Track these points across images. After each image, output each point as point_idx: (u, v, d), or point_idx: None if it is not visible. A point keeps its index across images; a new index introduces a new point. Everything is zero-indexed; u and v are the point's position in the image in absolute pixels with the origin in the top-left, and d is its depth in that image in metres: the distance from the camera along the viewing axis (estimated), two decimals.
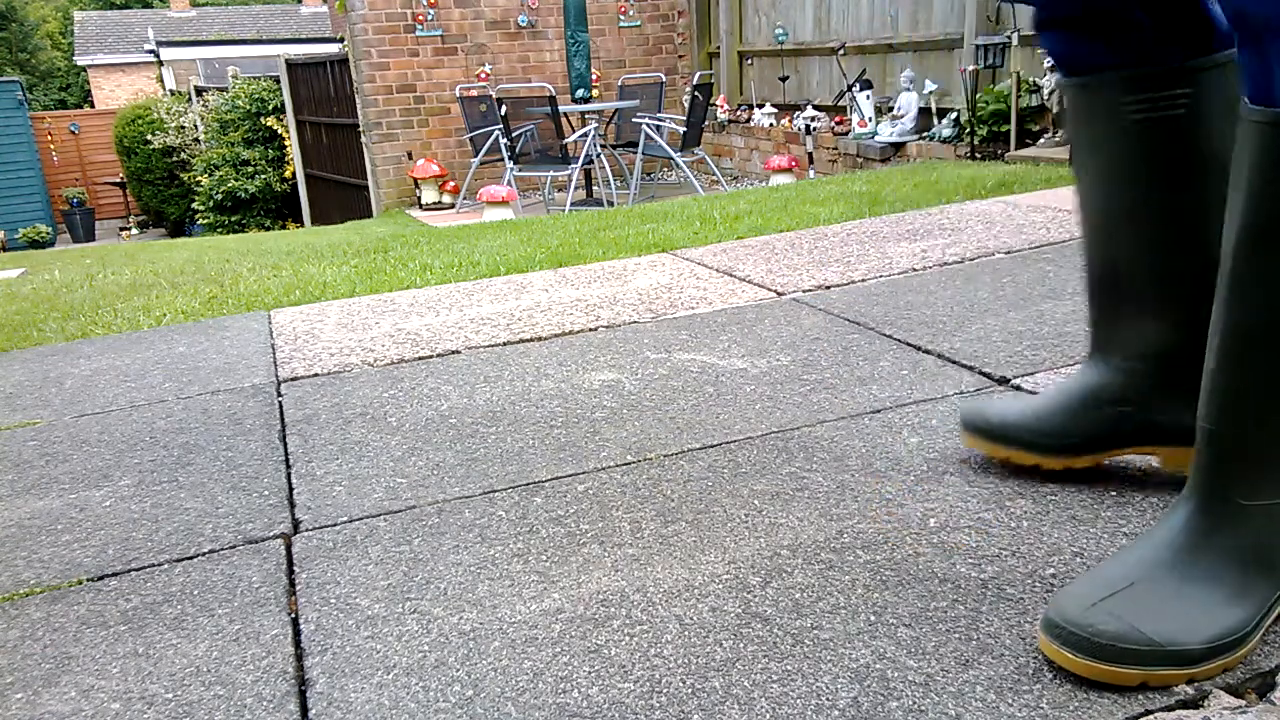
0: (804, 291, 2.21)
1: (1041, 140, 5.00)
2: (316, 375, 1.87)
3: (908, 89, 6.05)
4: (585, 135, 7.13)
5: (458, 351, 1.96)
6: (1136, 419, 1.12)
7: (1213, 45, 0.99)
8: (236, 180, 11.18)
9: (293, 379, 1.86)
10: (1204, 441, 0.88)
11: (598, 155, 7.48)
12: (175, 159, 13.65)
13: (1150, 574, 0.86)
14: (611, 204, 6.93)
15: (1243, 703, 0.80)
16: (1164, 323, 1.09)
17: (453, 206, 8.19)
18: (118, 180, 16.31)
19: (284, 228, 10.99)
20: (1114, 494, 1.14)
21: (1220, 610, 0.83)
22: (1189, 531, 0.87)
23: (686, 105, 7.55)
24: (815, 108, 7.21)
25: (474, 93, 8.06)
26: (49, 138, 17.01)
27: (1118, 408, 1.13)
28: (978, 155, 5.24)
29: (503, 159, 7.39)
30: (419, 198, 8.36)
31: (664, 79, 8.42)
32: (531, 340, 2.00)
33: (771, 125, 7.63)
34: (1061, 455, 1.17)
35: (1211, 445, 0.87)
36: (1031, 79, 5.16)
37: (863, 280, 2.27)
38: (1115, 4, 1.02)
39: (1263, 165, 0.80)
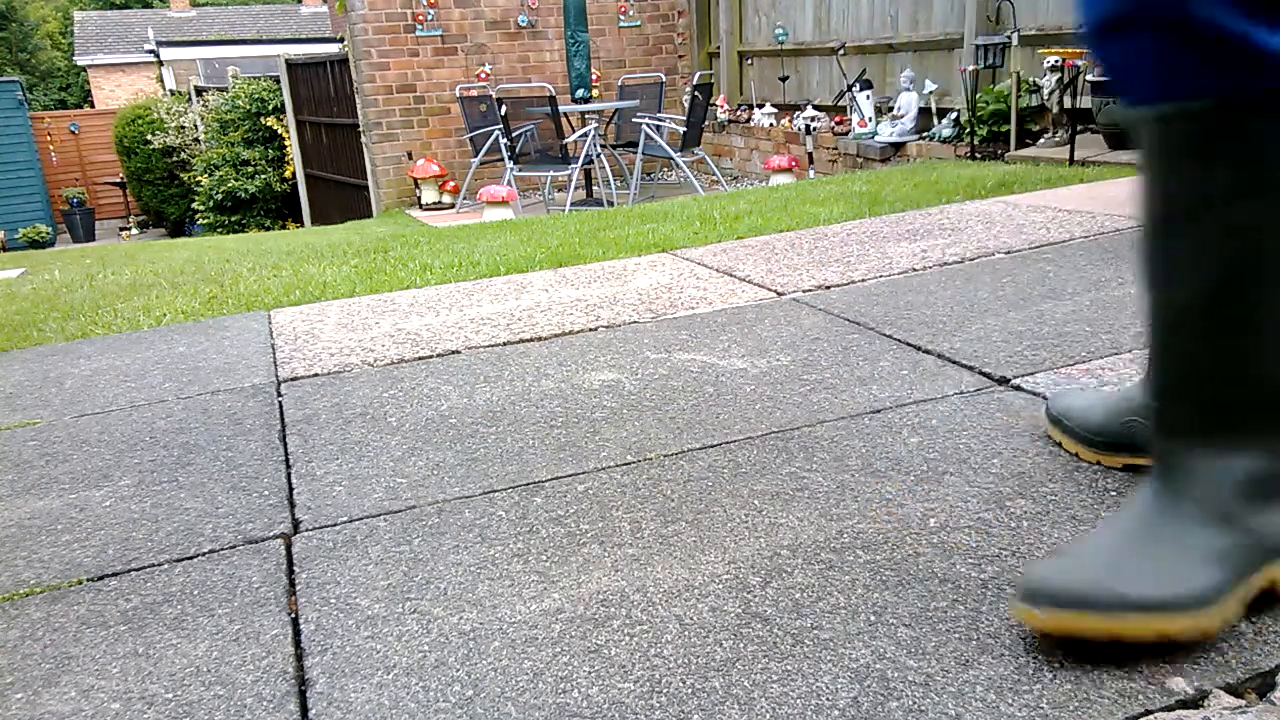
0: (804, 291, 2.21)
1: (1041, 140, 5.00)
2: (316, 375, 1.87)
3: (908, 89, 6.05)
4: (585, 135, 7.13)
5: (458, 351, 1.96)
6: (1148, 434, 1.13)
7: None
8: (236, 180, 11.19)
9: (293, 379, 1.86)
10: (1154, 418, 0.93)
11: (598, 155, 7.48)
12: (175, 159, 13.66)
13: (1121, 542, 0.89)
14: (611, 204, 6.93)
15: (1243, 703, 0.80)
16: None
17: (453, 206, 8.19)
18: (118, 180, 16.31)
19: (284, 228, 11.00)
20: (1114, 494, 1.14)
21: (1191, 570, 0.85)
22: (1155, 501, 0.91)
23: (686, 105, 7.55)
24: (815, 108, 7.21)
25: (474, 93, 8.06)
26: (49, 138, 17.01)
27: (1136, 419, 1.16)
28: (978, 155, 5.24)
29: (503, 159, 7.40)
30: (419, 198, 8.36)
31: (664, 79, 8.42)
32: (531, 340, 2.00)
33: (771, 125, 7.63)
34: (1094, 449, 1.22)
35: (1160, 420, 0.92)
36: (1031, 79, 5.17)
37: (863, 280, 2.27)
38: None
39: (1146, 158, 0.87)
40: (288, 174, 11.16)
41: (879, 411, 1.45)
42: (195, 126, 13.31)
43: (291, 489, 1.36)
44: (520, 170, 7.32)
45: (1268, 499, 0.88)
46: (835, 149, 6.67)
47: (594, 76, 8.50)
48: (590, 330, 2.03)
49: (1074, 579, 0.85)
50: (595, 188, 7.85)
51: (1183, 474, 0.90)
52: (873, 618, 0.94)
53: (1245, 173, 0.83)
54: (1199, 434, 0.90)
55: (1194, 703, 0.80)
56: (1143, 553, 0.87)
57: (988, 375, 1.57)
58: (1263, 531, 0.87)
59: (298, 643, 0.98)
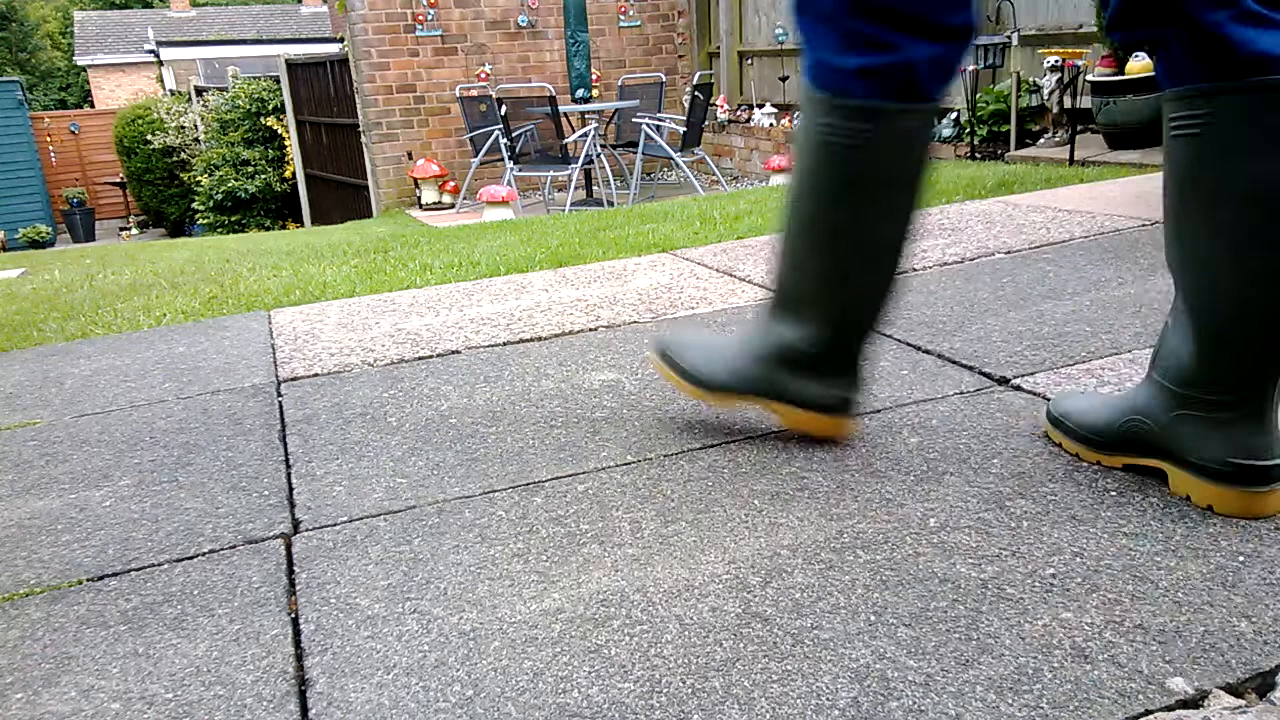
0: None
1: (1041, 140, 5.01)
2: (316, 375, 1.87)
3: None
4: (585, 135, 7.13)
5: (458, 351, 1.96)
6: (1153, 433, 1.14)
7: (1238, 70, 0.96)
8: (236, 180, 11.19)
9: (293, 379, 1.86)
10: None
11: (598, 155, 7.48)
12: (175, 159, 13.66)
13: (723, 342, 1.40)
14: (611, 204, 6.93)
15: (1243, 703, 0.80)
16: (1181, 346, 1.10)
17: (453, 206, 8.19)
18: (118, 180, 16.31)
19: (284, 228, 11.00)
20: (1114, 494, 1.14)
21: (723, 374, 1.37)
22: (752, 332, 1.37)
23: (686, 105, 7.55)
24: None
25: (474, 93, 8.06)
26: (49, 138, 17.01)
27: (1139, 417, 1.16)
28: (977, 155, 5.24)
29: (503, 159, 7.40)
30: (419, 198, 8.36)
31: (664, 79, 8.42)
32: (531, 340, 2.00)
33: (771, 125, 7.63)
34: (1095, 450, 1.22)
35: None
36: (1031, 79, 5.17)
37: None
38: (1151, 20, 1.02)
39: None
40: (288, 174, 11.16)
41: (879, 411, 1.45)
42: (195, 126, 13.31)
43: (291, 489, 1.36)
44: (520, 170, 7.32)
45: (788, 365, 1.32)
46: None
47: (594, 76, 8.50)
48: (590, 330, 2.03)
49: (682, 351, 1.41)
50: (595, 188, 7.85)
51: (763, 325, 1.35)
52: (873, 618, 0.94)
53: (810, 144, 1.22)
54: (773, 304, 1.34)
55: (1194, 703, 0.80)
56: (719, 352, 1.38)
57: (988, 375, 1.57)
58: (774, 380, 1.33)
59: (298, 643, 0.98)
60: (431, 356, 1.94)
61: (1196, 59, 0.98)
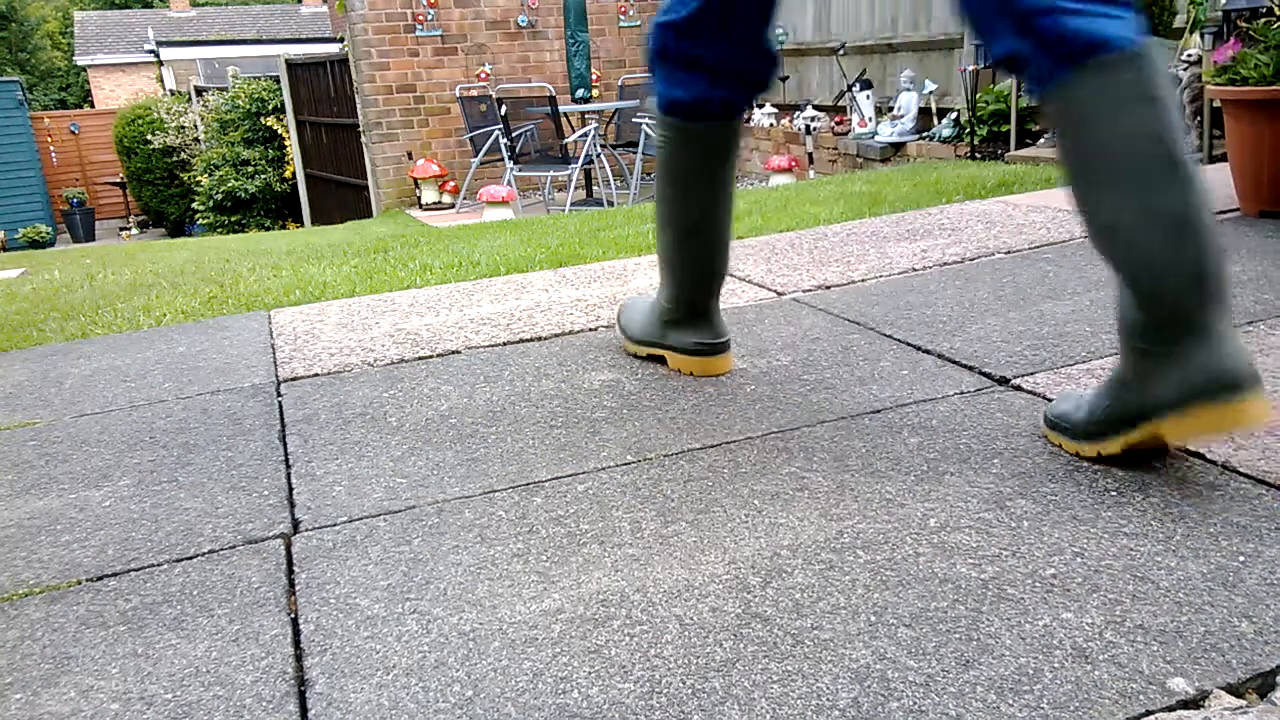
0: (804, 291, 2.21)
1: (1041, 140, 5.00)
2: (316, 375, 1.87)
3: (908, 89, 6.05)
4: (585, 135, 7.13)
5: (458, 351, 1.96)
6: (1138, 395, 1.15)
7: (1083, 57, 1.09)
8: (236, 180, 11.19)
9: (293, 379, 1.86)
10: None
11: (598, 155, 7.48)
12: (175, 159, 13.66)
13: (643, 307, 1.80)
14: (611, 204, 6.93)
15: (1243, 703, 0.80)
16: (1128, 307, 1.15)
17: (453, 206, 8.19)
18: (118, 180, 16.31)
19: (284, 228, 11.00)
20: (1114, 494, 1.14)
21: (636, 330, 1.79)
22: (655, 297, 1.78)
23: None
24: (815, 108, 7.21)
25: (474, 93, 8.06)
26: (49, 138, 17.01)
27: (1123, 386, 1.18)
28: (978, 155, 5.24)
29: (503, 159, 7.40)
30: (419, 198, 8.36)
31: None
32: (531, 340, 1.99)
33: (771, 125, 7.63)
34: (1091, 441, 1.22)
35: None
36: None
37: (863, 280, 2.27)
38: (1009, 42, 1.15)
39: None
40: (288, 174, 11.16)
41: (879, 411, 1.45)
42: (195, 126, 13.31)
43: (291, 489, 1.36)
44: (520, 170, 7.32)
45: (664, 322, 1.71)
46: (835, 149, 6.67)
47: (594, 76, 8.50)
48: (590, 330, 2.03)
49: (625, 309, 1.86)
50: (595, 188, 7.85)
51: (659, 292, 1.73)
52: (873, 618, 0.94)
53: (656, 144, 1.62)
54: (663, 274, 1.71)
55: (1194, 703, 0.80)
56: (641, 314, 1.79)
57: (988, 375, 1.57)
58: (661, 334, 1.73)
59: (297, 643, 0.98)
60: (431, 356, 1.94)
61: (1050, 61, 1.11)
